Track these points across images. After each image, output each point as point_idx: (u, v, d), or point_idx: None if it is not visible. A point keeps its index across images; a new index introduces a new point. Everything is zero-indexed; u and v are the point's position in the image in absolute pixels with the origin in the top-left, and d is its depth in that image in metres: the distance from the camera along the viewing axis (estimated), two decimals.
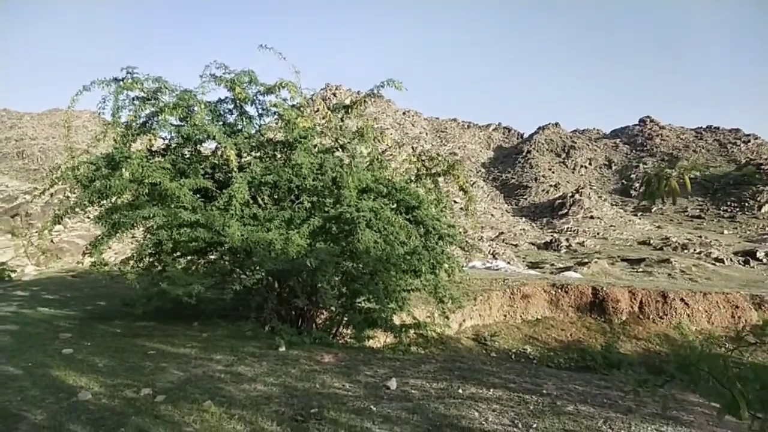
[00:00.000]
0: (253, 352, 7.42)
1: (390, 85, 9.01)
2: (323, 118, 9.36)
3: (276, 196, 9.35)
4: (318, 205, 8.81)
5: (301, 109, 9.31)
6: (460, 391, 6.08)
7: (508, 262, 33.28)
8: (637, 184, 69.24)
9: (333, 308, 9.34)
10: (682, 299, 16.17)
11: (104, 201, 8.47)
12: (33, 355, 6.80)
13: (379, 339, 11.09)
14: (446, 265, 10.01)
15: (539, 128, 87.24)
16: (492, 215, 62.06)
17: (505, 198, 71.10)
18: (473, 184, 69.28)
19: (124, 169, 8.10)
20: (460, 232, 11.23)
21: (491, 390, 6.16)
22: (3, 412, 4.78)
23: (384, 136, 10.20)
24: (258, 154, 9.39)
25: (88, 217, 8.68)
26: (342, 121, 9.62)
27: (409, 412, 5.29)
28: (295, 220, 8.60)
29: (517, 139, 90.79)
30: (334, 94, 77.05)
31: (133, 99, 8.79)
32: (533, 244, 47.54)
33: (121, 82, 8.52)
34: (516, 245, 45.79)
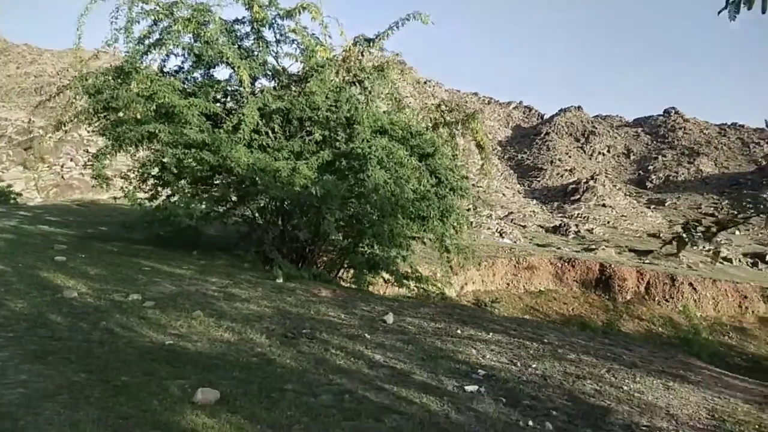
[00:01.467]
0: (249, 279, 7.23)
1: (416, 18, 8.55)
2: (343, 51, 8.95)
3: (287, 130, 9.01)
4: (329, 139, 8.47)
5: (321, 38, 8.88)
6: (459, 331, 5.85)
7: (515, 242, 32.98)
8: (653, 176, 68.14)
9: (335, 244, 9.08)
10: (690, 284, 15.86)
11: (110, 114, 8.19)
12: (24, 259, 6.65)
13: (379, 290, 10.91)
14: (455, 218, 9.72)
15: (561, 110, 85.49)
16: (503, 194, 61.42)
17: (518, 178, 70.21)
18: (489, 147, 68.35)
19: (133, 82, 7.81)
20: (474, 191, 10.91)
21: (491, 334, 5.92)
22: None
23: (407, 74, 9.78)
24: (272, 83, 9.03)
25: (93, 131, 8.42)
26: (362, 55, 9.20)
27: (404, 342, 5.08)
28: (305, 152, 8.30)
29: (538, 119, 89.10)
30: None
31: (148, 12, 8.41)
32: (542, 226, 47.04)
33: None
34: (524, 226, 45.31)
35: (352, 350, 4.58)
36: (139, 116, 8.13)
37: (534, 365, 4.74)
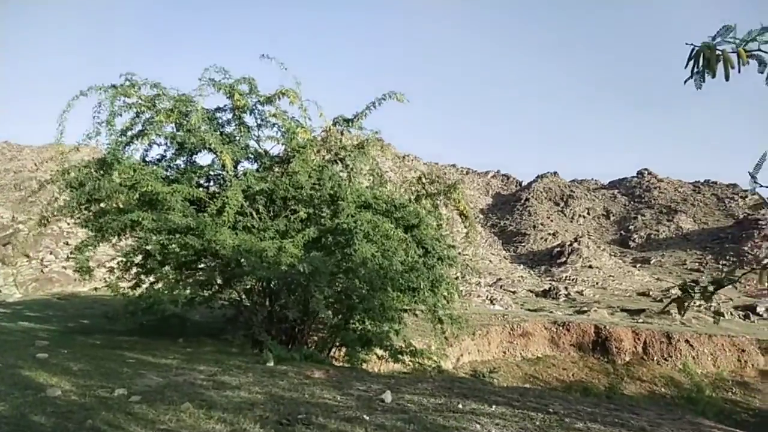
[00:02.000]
0: (239, 365, 6.95)
1: (392, 98, 8.90)
2: (323, 132, 9.22)
3: (272, 210, 9.06)
4: (314, 217, 8.51)
5: (300, 122, 9.15)
6: (460, 406, 5.62)
7: (506, 308, 32.64)
8: (635, 236, 69.16)
9: (326, 322, 8.88)
10: (686, 341, 15.67)
11: (93, 206, 8.16)
12: (4, 358, 6.34)
13: (374, 367, 10.56)
14: (445, 288, 9.66)
15: (538, 176, 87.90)
16: (490, 261, 61.53)
17: (503, 244, 70.73)
18: (473, 216, 68.99)
19: (115, 173, 7.86)
20: (463, 259, 10.93)
21: (493, 407, 5.70)
22: None
23: (387, 150, 10.04)
24: (255, 166, 9.17)
25: (75, 222, 8.37)
26: (341, 134, 9.47)
27: (404, 422, 4.83)
28: (290, 231, 8.29)
29: (516, 186, 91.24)
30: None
31: (130, 105, 8.62)
32: (531, 291, 46.84)
33: (119, 88, 8.38)
34: (514, 292, 45.08)
35: None
36: (121, 205, 8.12)
37: None
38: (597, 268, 57.10)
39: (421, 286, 8.28)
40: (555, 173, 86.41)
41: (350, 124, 9.19)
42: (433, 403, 5.73)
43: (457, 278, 11.90)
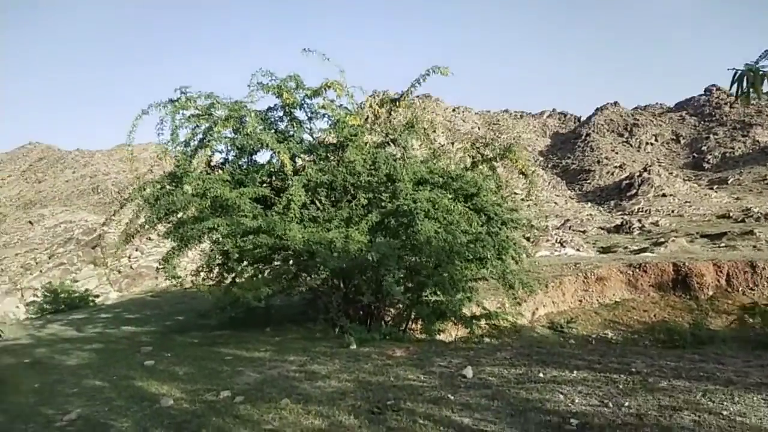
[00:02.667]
0: (325, 351, 7.42)
1: (436, 72, 8.83)
2: (369, 118, 9.32)
3: (333, 197, 9.37)
4: (374, 201, 8.75)
5: (349, 108, 9.32)
6: (541, 375, 5.78)
7: (578, 249, 31.98)
8: (709, 156, 65.09)
9: (400, 304, 9.25)
10: None
11: (171, 217, 8.78)
12: (117, 369, 7.10)
13: (450, 332, 10.88)
14: (512, 251, 9.70)
15: (597, 109, 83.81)
16: (555, 203, 60.14)
17: (567, 184, 68.71)
18: (533, 173, 67.39)
19: (186, 185, 8.37)
20: (525, 221, 10.87)
21: (574, 372, 5.82)
22: (92, 423, 4.99)
23: (436, 126, 10.03)
24: (311, 157, 9.47)
25: (158, 235, 9.05)
26: (390, 114, 9.54)
27: (488, 398, 5.07)
28: (354, 217, 8.59)
29: (574, 123, 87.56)
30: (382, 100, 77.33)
31: (189, 117, 9.07)
32: (603, 228, 45.57)
33: (176, 102, 8.83)
34: (584, 231, 44.02)
35: (440, 417, 4.63)
36: (196, 213, 8.69)
37: (626, 403, 4.62)
38: (671, 195, 54.56)
39: (488, 256, 8.39)
40: (615, 103, 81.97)
41: (397, 103, 9.24)
42: (514, 374, 5.93)
43: (527, 237, 11.85)
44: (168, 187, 8.77)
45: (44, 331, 11.11)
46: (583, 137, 77.01)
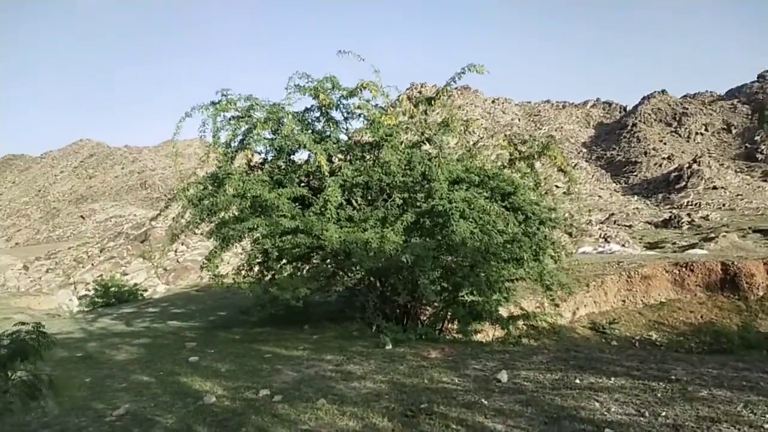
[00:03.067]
0: (361, 351, 7.53)
1: (471, 70, 8.76)
2: (406, 113, 9.33)
3: (369, 197, 9.46)
4: (410, 200, 8.78)
5: (385, 107, 9.37)
6: (577, 381, 5.71)
7: (623, 245, 31.08)
8: (763, 147, 61.89)
9: (436, 303, 9.27)
10: None
11: (213, 217, 9.05)
12: (163, 365, 7.42)
13: (487, 332, 10.82)
14: (551, 251, 9.56)
15: (644, 98, 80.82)
16: (599, 196, 58.57)
17: (612, 177, 66.74)
18: (575, 165, 65.88)
19: (227, 186, 8.62)
20: (566, 216, 10.68)
21: (612, 379, 5.71)
22: (140, 418, 5.25)
23: (471, 123, 9.96)
24: (347, 157, 9.56)
25: (202, 233, 9.36)
26: (425, 114, 9.53)
27: (522, 404, 5.05)
28: (389, 217, 8.64)
29: (620, 112, 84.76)
30: (420, 92, 76.99)
31: (230, 119, 9.32)
32: (649, 222, 44.12)
33: (217, 105, 9.08)
34: (630, 226, 42.73)
35: (472, 422, 4.64)
36: (237, 214, 8.94)
37: (663, 413, 4.52)
38: (722, 188, 52.29)
39: (525, 257, 8.30)
40: (663, 91, 78.83)
41: (432, 103, 9.22)
42: (550, 379, 5.87)
43: (569, 233, 11.62)
44: (210, 188, 9.04)
45: (95, 325, 11.67)
46: (629, 127, 74.51)
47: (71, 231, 75.56)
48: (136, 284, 20.61)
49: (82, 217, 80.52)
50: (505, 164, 10.26)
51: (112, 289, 18.09)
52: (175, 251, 32.36)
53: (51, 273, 36.64)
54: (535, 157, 10.32)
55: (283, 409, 5.25)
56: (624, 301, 15.03)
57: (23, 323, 2.85)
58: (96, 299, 17.97)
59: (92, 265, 36.00)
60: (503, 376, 5.93)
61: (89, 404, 5.74)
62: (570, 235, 10.89)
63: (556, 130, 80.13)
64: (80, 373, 7.18)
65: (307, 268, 10.41)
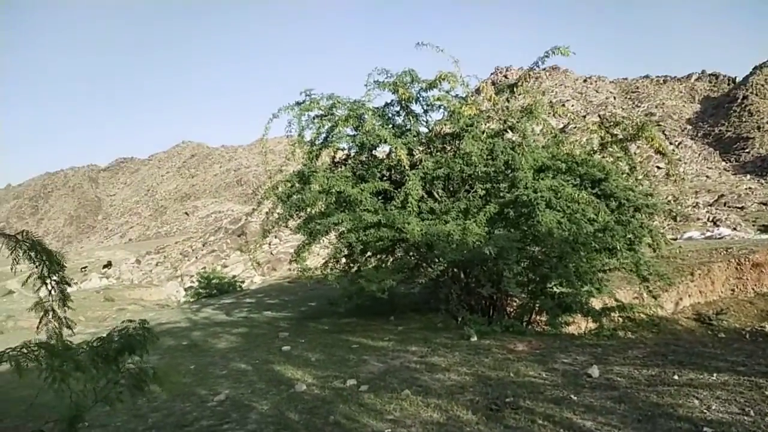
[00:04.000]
0: (445, 343, 7.55)
1: (556, 53, 8.40)
2: (489, 100, 9.13)
3: (450, 189, 9.41)
4: (492, 191, 8.62)
5: (465, 97, 9.24)
6: (676, 377, 5.36)
7: (734, 228, 28.47)
8: None
9: (522, 295, 9.06)
10: None
11: (301, 212, 9.45)
12: (259, 353, 7.90)
13: (579, 325, 10.38)
14: (648, 239, 9.01)
15: (755, 68, 72.89)
16: (707, 177, 53.93)
17: (721, 155, 61.09)
18: (678, 144, 61.17)
19: (313, 183, 8.94)
20: (667, 201, 10.01)
21: (714, 375, 5.31)
22: (238, 403, 5.65)
23: (558, 108, 9.56)
24: (428, 150, 9.56)
25: (291, 228, 9.82)
26: (508, 101, 9.28)
27: (614, 401, 4.83)
28: (471, 209, 8.54)
29: (728, 85, 77.14)
30: (505, 77, 74.63)
31: (313, 118, 9.65)
32: (764, 204, 39.98)
33: (302, 105, 9.43)
34: (742, 208, 38.96)
35: (560, 419, 4.52)
36: (323, 209, 9.26)
37: None
38: None
39: (618, 247, 7.88)
40: None
41: (514, 89, 8.96)
42: (645, 375, 5.56)
43: (675, 217, 10.89)
44: (297, 185, 9.42)
45: (199, 315, 12.62)
46: (739, 101, 67.70)
47: (177, 227, 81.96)
48: (234, 276, 21.95)
49: (186, 213, 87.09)
50: (596, 149, 9.76)
51: (214, 281, 19.42)
52: (269, 244, 34.02)
53: (160, 266, 39.94)
54: (630, 139, 9.73)
55: (369, 399, 5.41)
56: (733, 290, 13.80)
57: (131, 320, 3.17)
58: (199, 290, 19.40)
59: (196, 258, 38.81)
60: (594, 371, 5.70)
61: (193, 390, 6.25)
62: (674, 220, 10.17)
63: (656, 108, 74.48)
64: (186, 360, 7.83)
65: (391, 260, 10.57)
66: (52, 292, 3.41)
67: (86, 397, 2.89)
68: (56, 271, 3.37)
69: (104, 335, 3.02)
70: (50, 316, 3.38)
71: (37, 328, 3.42)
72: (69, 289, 3.56)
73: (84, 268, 45.37)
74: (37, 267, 3.29)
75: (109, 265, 46.76)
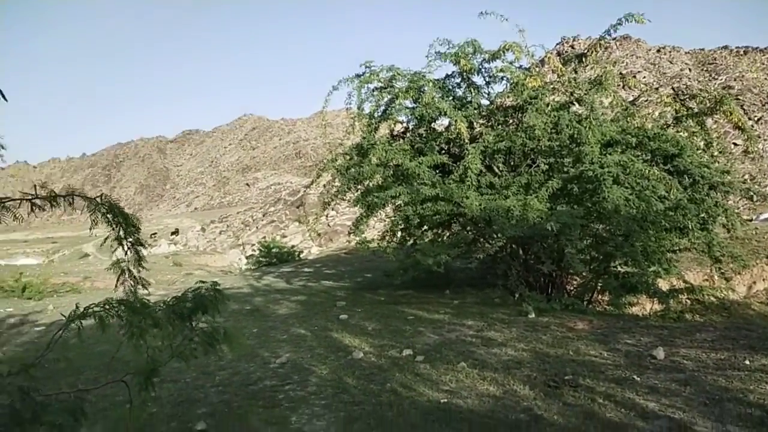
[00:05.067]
0: (502, 319, 7.49)
1: (629, 20, 7.93)
2: (554, 71, 8.79)
3: (511, 163, 9.20)
4: (556, 166, 8.36)
5: (530, 68, 8.93)
6: (747, 362, 5.10)
7: None
8: None
9: (584, 273, 8.81)
10: None
11: (359, 185, 9.53)
12: (317, 320, 8.13)
13: (644, 306, 10.03)
14: (723, 219, 8.51)
15: None
16: None
17: None
18: (758, 120, 56.87)
19: (371, 155, 8.97)
20: (744, 179, 9.41)
21: None
22: (298, 366, 5.86)
23: (629, 80, 9.08)
24: (489, 123, 9.35)
25: (349, 201, 9.94)
26: (575, 72, 8.89)
27: (680, 383, 4.66)
28: (533, 184, 8.33)
29: None
30: (572, 47, 71.28)
31: (373, 90, 9.62)
32: None
33: (362, 77, 9.41)
34: None
35: (621, 399, 4.41)
36: (381, 182, 9.30)
37: None
38: None
39: (690, 226, 7.48)
40: None
41: (582, 60, 8.56)
42: (714, 358, 5.33)
43: (753, 197, 10.27)
44: (356, 157, 9.48)
45: (261, 282, 13.10)
46: None
47: (239, 197, 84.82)
48: (293, 246, 22.57)
49: (247, 184, 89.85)
50: (669, 123, 9.24)
51: (274, 250, 20.05)
52: (327, 216, 34.66)
53: (223, 234, 41.59)
54: (707, 113, 9.14)
55: (425, 369, 5.47)
56: None
57: (203, 281, 3.33)
58: (260, 259, 20.10)
59: (257, 228, 40.14)
60: (659, 352, 5.50)
61: (257, 352, 6.53)
62: (750, 200, 9.55)
63: (735, 80, 69.27)
64: (249, 324, 8.17)
65: (448, 234, 10.52)
66: (128, 253, 3.60)
67: (162, 353, 3.07)
68: (132, 233, 3.56)
69: (179, 295, 3.19)
70: (126, 276, 3.59)
71: (115, 286, 3.64)
72: (143, 252, 3.76)
73: (153, 234, 47.94)
74: (114, 229, 3.48)
75: (176, 232, 49.20)
